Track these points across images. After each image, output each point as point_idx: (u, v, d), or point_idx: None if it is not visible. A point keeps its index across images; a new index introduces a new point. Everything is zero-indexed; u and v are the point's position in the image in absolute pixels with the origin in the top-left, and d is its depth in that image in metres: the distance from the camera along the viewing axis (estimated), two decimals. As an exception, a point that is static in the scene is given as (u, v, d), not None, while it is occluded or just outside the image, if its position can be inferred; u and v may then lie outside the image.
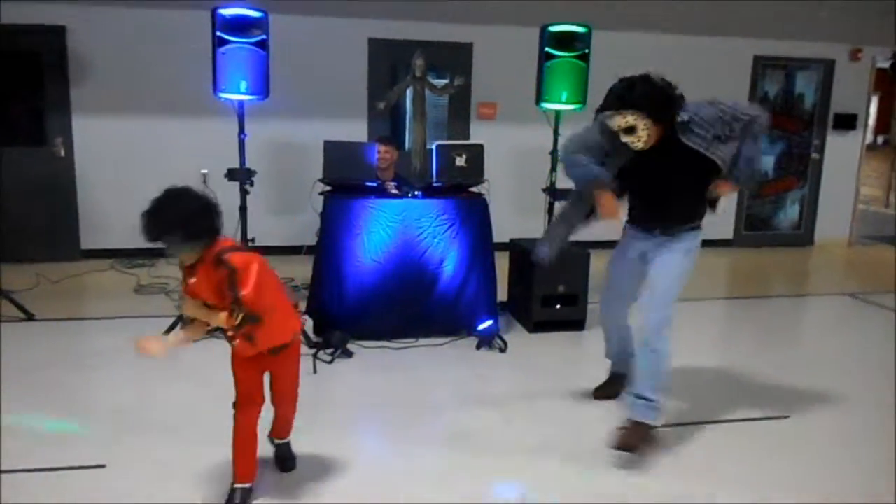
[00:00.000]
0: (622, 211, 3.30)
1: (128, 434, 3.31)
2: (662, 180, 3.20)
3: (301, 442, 3.26)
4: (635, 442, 3.16)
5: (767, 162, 8.30)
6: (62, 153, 6.52)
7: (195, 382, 3.94)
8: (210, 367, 4.20)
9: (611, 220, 3.23)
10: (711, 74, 7.63)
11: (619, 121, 3.01)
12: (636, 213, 3.45)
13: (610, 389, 3.82)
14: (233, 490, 2.74)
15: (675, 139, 3.04)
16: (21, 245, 6.42)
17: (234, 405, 2.73)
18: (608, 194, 3.22)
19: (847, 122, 8.33)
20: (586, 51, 4.90)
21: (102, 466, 3.02)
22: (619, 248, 3.56)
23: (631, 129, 3.01)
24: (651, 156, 3.12)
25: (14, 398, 3.65)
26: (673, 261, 3.27)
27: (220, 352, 4.33)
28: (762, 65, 8.03)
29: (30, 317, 4.92)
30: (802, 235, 8.61)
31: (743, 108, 3.08)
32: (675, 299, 3.27)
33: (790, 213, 8.56)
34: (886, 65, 8.61)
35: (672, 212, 3.29)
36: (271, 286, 2.57)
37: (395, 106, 6.59)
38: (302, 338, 2.97)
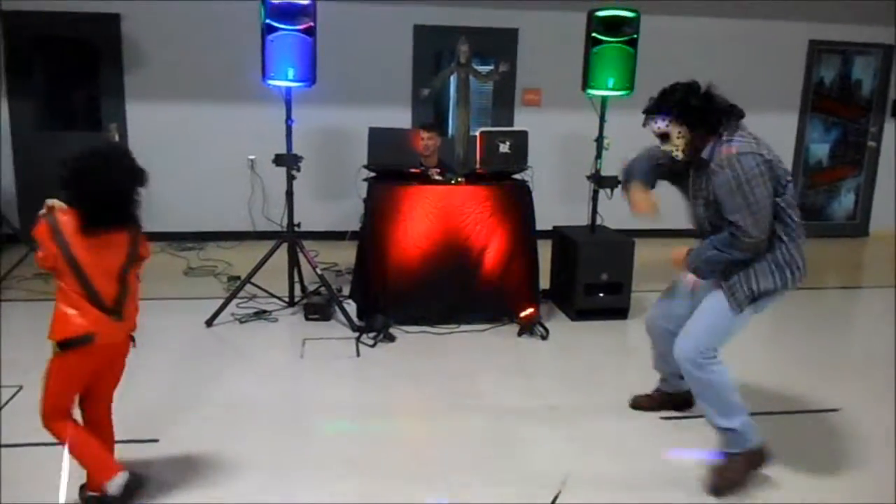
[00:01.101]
0: (656, 207, 3.12)
1: (181, 412, 3.42)
2: (695, 203, 2.96)
3: (343, 426, 3.33)
4: (731, 477, 2.89)
5: (822, 150, 8.07)
6: (117, 138, 6.71)
7: (245, 362, 4.05)
8: (258, 348, 4.32)
9: (645, 215, 3.10)
10: (764, 60, 7.46)
11: (652, 126, 2.89)
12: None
13: (647, 403, 3.58)
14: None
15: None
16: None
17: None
18: (636, 190, 3.11)
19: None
20: (635, 36, 4.81)
21: (156, 441, 3.14)
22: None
23: (664, 137, 2.87)
24: (691, 171, 2.93)
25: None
26: (719, 303, 2.89)
27: (266, 333, 4.43)
28: (818, 49, 7.78)
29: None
30: (857, 225, 8.36)
31: (751, 216, 2.67)
32: (715, 339, 2.91)
33: (844, 202, 8.31)
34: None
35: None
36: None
37: (440, 93, 6.60)
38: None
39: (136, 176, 2.50)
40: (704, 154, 2.80)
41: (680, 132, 2.83)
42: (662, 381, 3.57)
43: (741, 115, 2.84)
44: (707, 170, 2.79)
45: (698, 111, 2.78)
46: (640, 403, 3.60)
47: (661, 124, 2.85)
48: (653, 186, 3.16)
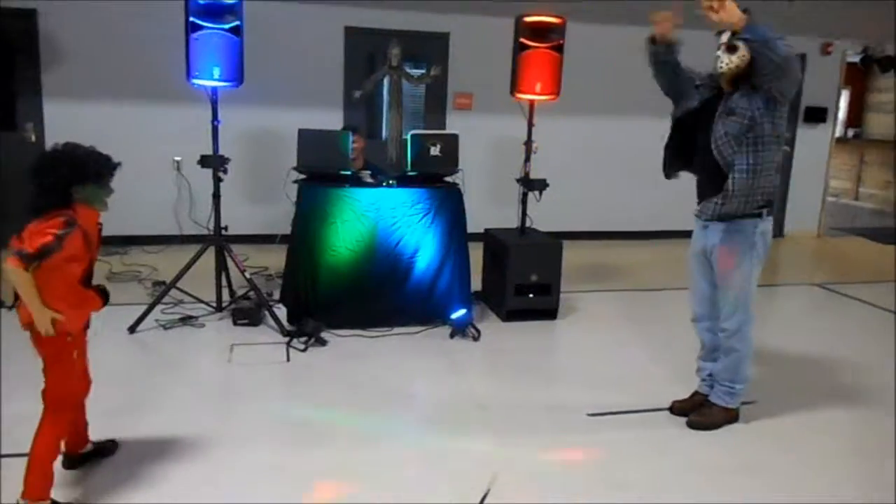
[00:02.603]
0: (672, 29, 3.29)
1: (102, 420, 3.30)
2: (718, 124, 3.18)
3: (276, 429, 3.29)
4: (711, 421, 3.46)
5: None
6: (33, 138, 6.43)
7: (170, 369, 3.94)
8: (184, 354, 4.22)
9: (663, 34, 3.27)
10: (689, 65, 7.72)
11: (724, 36, 3.09)
12: (698, 184, 3.42)
13: (688, 406, 3.61)
14: None
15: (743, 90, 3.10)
16: (-10, 231, 6.33)
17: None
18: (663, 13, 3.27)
19: (817, 116, 8.47)
20: (561, 42, 4.92)
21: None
22: (691, 243, 3.51)
23: (731, 49, 3.07)
24: (716, 104, 3.19)
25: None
26: (731, 263, 3.27)
27: (192, 339, 4.32)
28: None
29: (1, 304, 4.85)
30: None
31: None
32: (750, 298, 3.32)
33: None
34: (857, 59, 8.77)
35: (720, 180, 3.18)
36: None
37: (372, 95, 6.58)
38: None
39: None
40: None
41: (744, 56, 3.05)
42: (702, 383, 3.65)
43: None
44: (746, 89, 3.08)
45: (770, 50, 2.95)
46: (680, 407, 3.61)
47: (738, 41, 3.03)
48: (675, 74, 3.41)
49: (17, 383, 3.52)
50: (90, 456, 2.93)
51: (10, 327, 4.50)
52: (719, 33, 3.17)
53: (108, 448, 3.00)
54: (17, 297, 2.44)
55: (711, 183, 3.24)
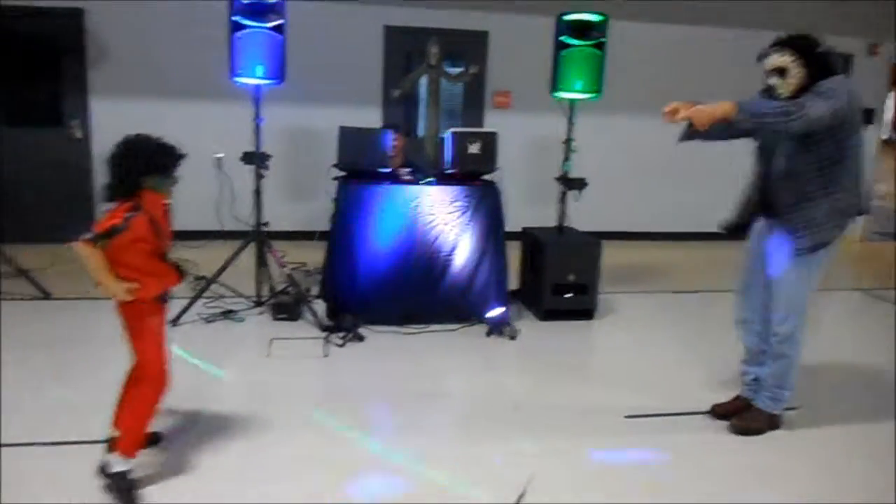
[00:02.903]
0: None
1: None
2: (783, 150, 3.10)
3: (313, 422, 3.32)
4: (754, 426, 3.40)
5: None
6: (79, 135, 6.58)
7: (211, 361, 4.01)
8: (224, 348, 4.28)
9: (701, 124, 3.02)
10: (730, 67, 7.59)
11: (776, 59, 3.00)
12: (758, 189, 3.32)
13: (730, 409, 3.55)
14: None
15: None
16: (39, 225, 6.50)
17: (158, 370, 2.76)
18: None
19: (863, 118, 8.25)
20: (603, 39, 4.88)
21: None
22: (748, 245, 3.43)
23: (782, 71, 3.00)
24: None
25: (29, 373, 3.73)
26: (790, 266, 3.18)
27: (232, 332, 4.39)
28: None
29: (46, 295, 4.99)
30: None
31: (820, 101, 2.88)
32: (805, 304, 3.24)
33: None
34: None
35: (786, 192, 3.12)
36: None
37: (410, 94, 6.60)
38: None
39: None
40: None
41: (798, 73, 2.96)
42: (745, 387, 3.57)
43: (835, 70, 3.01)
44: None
45: (820, 59, 2.93)
46: (721, 410, 3.56)
47: (785, 58, 2.97)
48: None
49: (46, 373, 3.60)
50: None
51: (30, 318, 4.63)
52: (760, 58, 3.09)
53: (154, 438, 3.06)
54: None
55: (772, 185, 3.16)
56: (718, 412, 3.56)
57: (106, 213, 2.60)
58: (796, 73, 2.97)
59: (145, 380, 2.73)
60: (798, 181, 3.07)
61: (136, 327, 2.71)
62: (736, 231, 3.43)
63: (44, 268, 5.62)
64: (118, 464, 2.67)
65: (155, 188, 2.66)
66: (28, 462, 2.90)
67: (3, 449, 2.96)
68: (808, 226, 3.08)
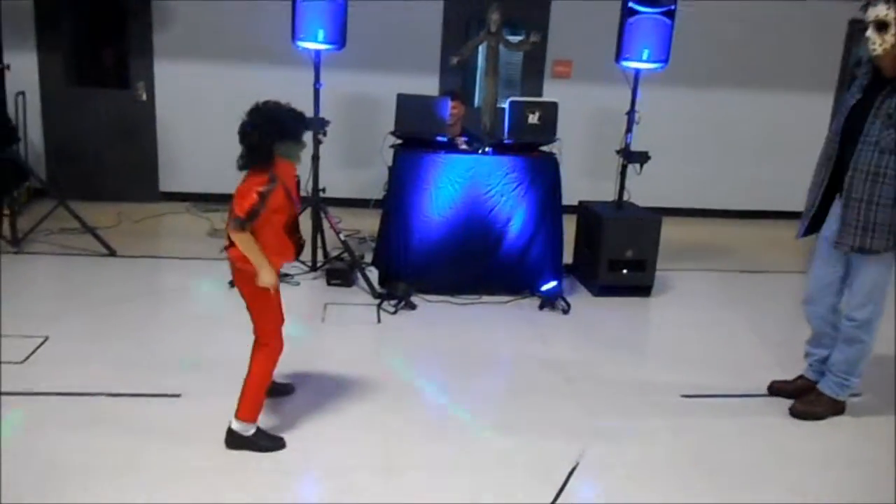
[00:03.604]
0: None
1: (203, 369, 3.45)
2: (872, 123, 2.87)
3: (364, 387, 3.35)
4: (817, 410, 3.28)
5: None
6: (144, 97, 6.72)
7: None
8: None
9: None
10: (803, 39, 7.27)
11: (881, 9, 2.76)
12: (830, 175, 3.14)
13: (790, 388, 3.47)
14: (258, 430, 2.81)
15: None
16: (104, 184, 6.70)
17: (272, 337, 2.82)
18: None
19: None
20: (672, 7, 4.70)
21: (178, 396, 3.18)
22: (826, 223, 3.24)
23: (881, 26, 2.77)
24: (880, 95, 2.87)
25: (96, 327, 3.86)
26: (864, 261, 3.05)
27: (287, 296, 4.44)
28: (858, 29, 7.54)
29: (112, 252, 5.14)
30: None
31: None
32: (885, 291, 3.09)
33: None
34: None
35: (858, 184, 2.92)
36: None
37: (468, 61, 6.50)
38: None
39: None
40: None
41: None
42: (809, 368, 3.49)
43: None
44: None
45: None
46: (780, 388, 3.50)
47: (889, 12, 2.74)
48: None
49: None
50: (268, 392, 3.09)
51: (96, 274, 4.77)
52: (864, 7, 2.83)
53: (286, 388, 3.26)
54: (230, 241, 2.67)
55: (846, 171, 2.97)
56: (777, 388, 3.47)
57: (239, 189, 2.61)
58: (895, 33, 2.74)
59: (264, 349, 2.78)
60: (878, 180, 2.88)
61: (256, 303, 2.74)
62: (814, 230, 3.28)
63: (110, 226, 5.80)
64: (241, 428, 2.76)
65: (286, 155, 2.67)
66: (104, 408, 3.00)
67: (74, 397, 3.08)
68: (870, 228, 2.93)
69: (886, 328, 3.45)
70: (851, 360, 3.21)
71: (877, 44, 2.79)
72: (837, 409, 3.31)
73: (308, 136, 2.72)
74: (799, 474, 2.89)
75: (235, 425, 2.76)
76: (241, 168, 2.65)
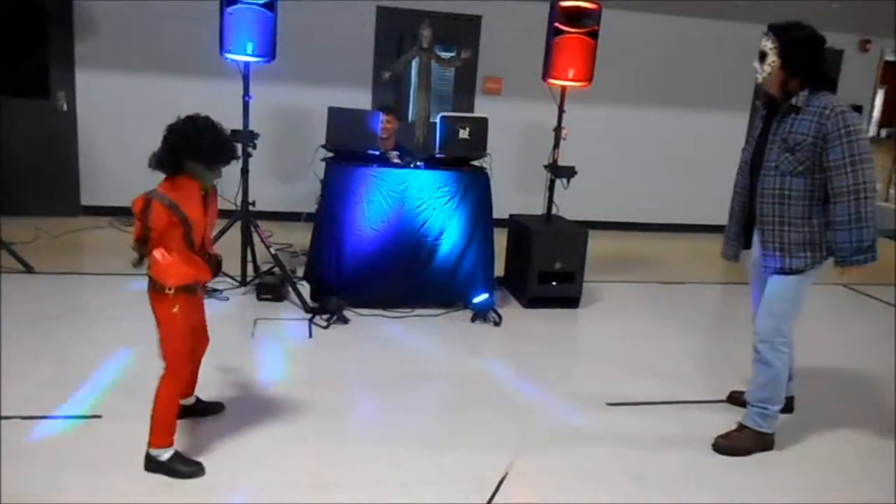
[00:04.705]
0: None
1: (125, 389, 3.34)
2: (770, 147, 3.01)
3: (295, 404, 3.32)
4: (741, 445, 3.16)
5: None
6: (65, 107, 6.49)
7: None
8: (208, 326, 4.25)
9: None
10: (717, 59, 7.62)
11: (763, 39, 2.98)
12: (742, 206, 3.28)
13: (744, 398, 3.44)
14: (175, 454, 2.72)
15: (793, 114, 2.93)
16: (22, 198, 6.42)
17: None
18: None
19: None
20: (596, 28, 4.86)
21: (99, 417, 3.07)
22: (752, 249, 3.33)
23: (762, 56, 2.97)
24: (775, 118, 3.03)
25: (12, 348, 3.69)
26: (777, 279, 3.09)
27: (216, 311, 4.35)
28: (770, 52, 7.97)
29: (29, 269, 4.94)
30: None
31: (859, 172, 2.85)
32: (788, 314, 3.10)
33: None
34: (894, 57, 8.58)
35: (767, 208, 3.04)
36: None
37: (401, 76, 6.56)
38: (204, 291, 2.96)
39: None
40: (796, 101, 2.93)
41: (774, 62, 2.94)
42: None
43: (832, 90, 2.98)
44: (795, 116, 2.92)
45: (803, 55, 2.91)
46: (738, 399, 3.52)
47: (767, 44, 2.96)
48: None
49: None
50: (193, 411, 3.06)
51: (12, 293, 4.58)
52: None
53: (214, 407, 3.18)
54: (141, 259, 2.60)
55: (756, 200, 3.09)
56: (734, 398, 3.57)
57: (135, 202, 2.54)
58: (772, 62, 2.94)
59: (168, 373, 2.67)
60: (784, 202, 3.01)
61: (160, 316, 2.64)
62: (737, 257, 3.40)
63: (27, 241, 5.56)
64: (156, 453, 2.67)
65: (194, 175, 2.57)
66: (16, 435, 2.88)
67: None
68: (787, 249, 3.04)
69: (811, 343, 3.58)
70: (766, 386, 3.14)
71: (758, 72, 3.02)
72: (765, 442, 3.19)
73: (235, 156, 2.64)
74: (718, 472, 3.00)
75: (151, 450, 2.68)
76: (150, 167, 2.56)
